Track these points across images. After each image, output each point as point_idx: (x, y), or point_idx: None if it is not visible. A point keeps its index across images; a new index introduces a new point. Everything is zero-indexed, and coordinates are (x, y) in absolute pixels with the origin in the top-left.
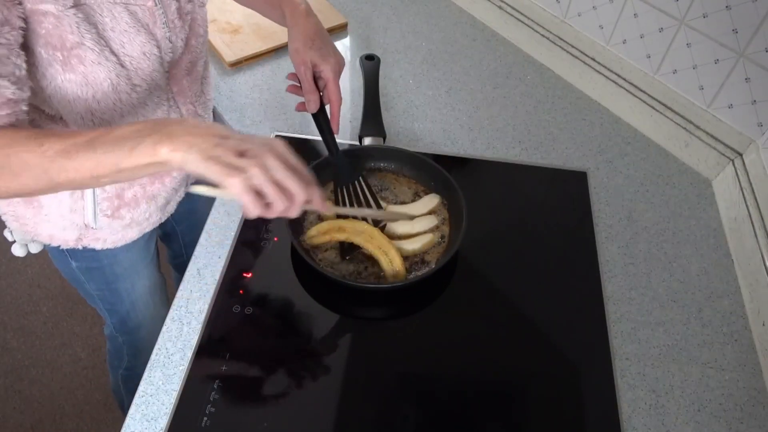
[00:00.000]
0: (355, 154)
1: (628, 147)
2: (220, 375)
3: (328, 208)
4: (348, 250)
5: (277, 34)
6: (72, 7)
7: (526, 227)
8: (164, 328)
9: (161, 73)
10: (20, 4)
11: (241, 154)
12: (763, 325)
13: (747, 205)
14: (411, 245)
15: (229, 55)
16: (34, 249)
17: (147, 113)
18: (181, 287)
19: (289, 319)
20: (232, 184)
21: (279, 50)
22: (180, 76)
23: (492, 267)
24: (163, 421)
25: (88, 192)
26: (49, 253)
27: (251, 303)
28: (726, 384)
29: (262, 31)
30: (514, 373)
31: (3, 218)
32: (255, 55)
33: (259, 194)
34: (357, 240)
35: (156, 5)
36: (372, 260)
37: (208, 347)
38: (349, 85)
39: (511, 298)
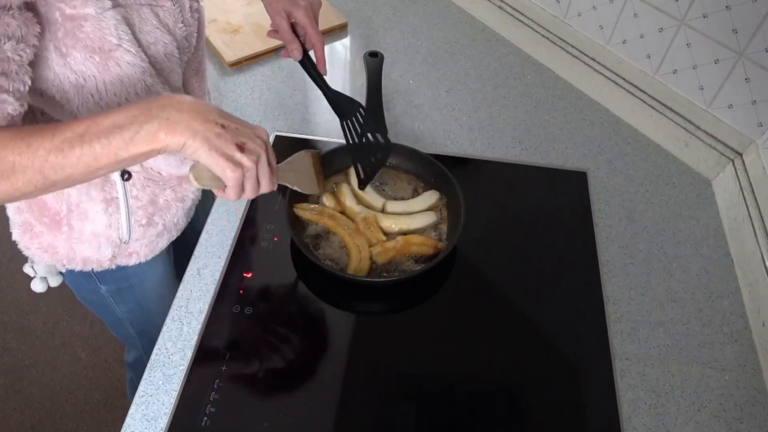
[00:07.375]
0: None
1: (628, 147)
2: (220, 375)
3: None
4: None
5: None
6: (110, 9)
7: (526, 227)
8: (164, 328)
9: (179, 75)
10: (38, 23)
11: (240, 148)
12: (763, 325)
13: (747, 206)
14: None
15: (229, 55)
16: (54, 282)
17: None
18: (181, 287)
19: (289, 318)
20: (230, 179)
21: (279, 50)
22: (189, 76)
23: (492, 267)
24: (163, 421)
25: (122, 204)
26: (71, 284)
27: (251, 303)
28: (726, 384)
29: (262, 31)
30: (514, 373)
31: (27, 253)
32: (255, 55)
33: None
34: (341, 232)
35: (174, 4)
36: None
37: (208, 347)
38: (349, 85)
39: (511, 298)
